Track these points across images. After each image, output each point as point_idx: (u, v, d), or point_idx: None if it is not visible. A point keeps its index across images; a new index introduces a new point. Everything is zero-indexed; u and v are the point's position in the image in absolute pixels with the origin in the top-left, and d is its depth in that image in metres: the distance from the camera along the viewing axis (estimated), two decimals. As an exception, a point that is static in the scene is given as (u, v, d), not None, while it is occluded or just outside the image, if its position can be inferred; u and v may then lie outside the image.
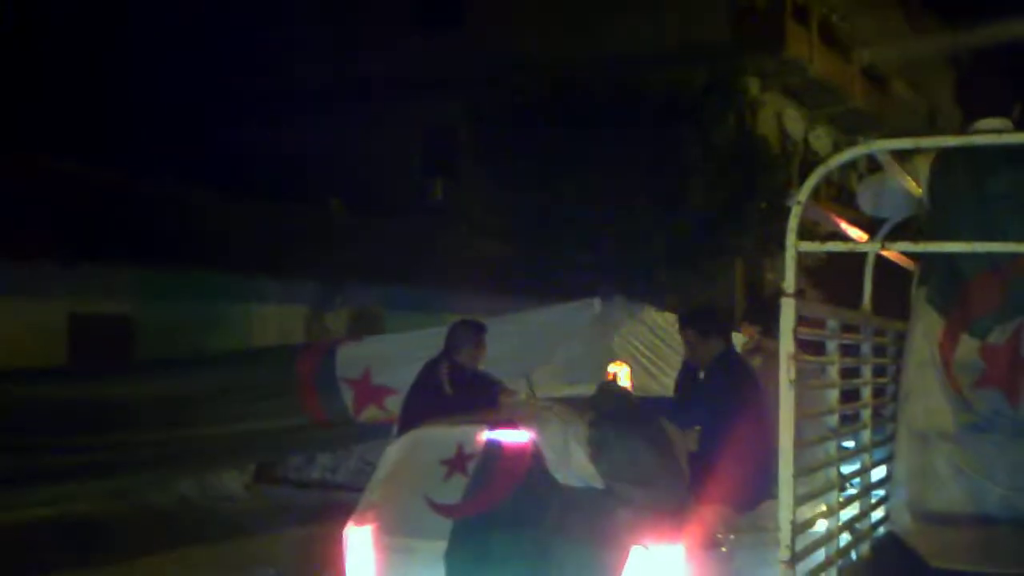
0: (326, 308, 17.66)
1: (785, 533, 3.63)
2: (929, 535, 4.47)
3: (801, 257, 3.76)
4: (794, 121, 27.35)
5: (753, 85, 24.70)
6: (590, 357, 10.00)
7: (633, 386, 9.14)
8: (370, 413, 9.60)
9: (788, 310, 3.68)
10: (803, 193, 3.74)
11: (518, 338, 9.85)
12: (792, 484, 3.63)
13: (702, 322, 7.16)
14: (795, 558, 3.68)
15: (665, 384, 9.50)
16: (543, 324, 10.35)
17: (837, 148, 22.77)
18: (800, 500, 3.80)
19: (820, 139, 27.93)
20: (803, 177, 3.92)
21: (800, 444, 3.74)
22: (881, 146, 4.03)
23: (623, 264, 18.21)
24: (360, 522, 6.57)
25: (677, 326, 10.47)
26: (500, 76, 21.76)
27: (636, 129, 18.55)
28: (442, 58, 25.93)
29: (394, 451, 6.86)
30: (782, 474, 3.65)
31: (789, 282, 3.69)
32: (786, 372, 3.64)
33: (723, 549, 6.18)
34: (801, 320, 3.79)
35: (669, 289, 18.46)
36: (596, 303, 10.24)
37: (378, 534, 6.52)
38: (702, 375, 7.19)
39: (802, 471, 3.83)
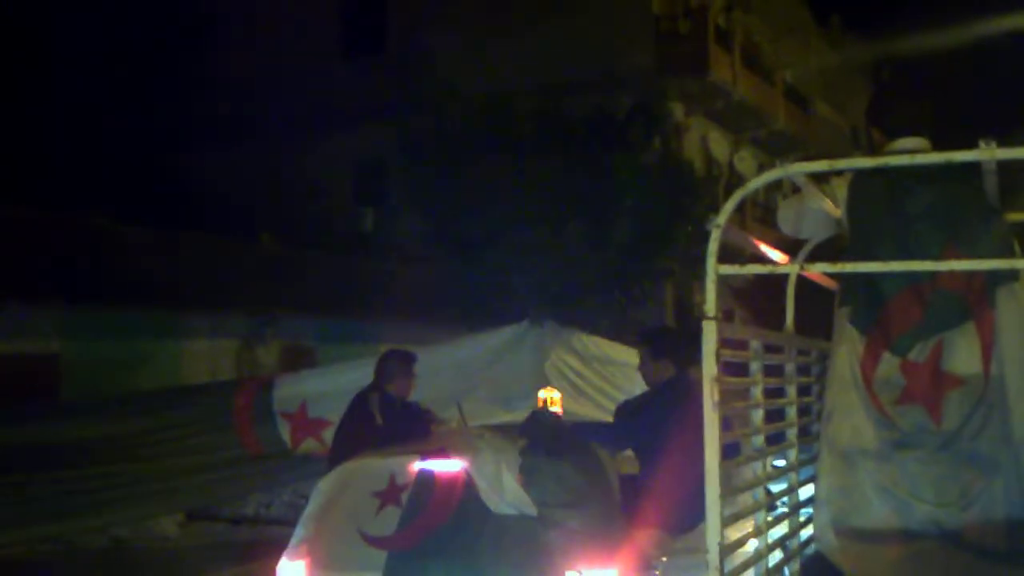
0: (257, 342, 17.52)
1: (713, 555, 3.66)
2: (855, 553, 4.51)
3: (728, 279, 3.80)
4: (719, 144, 27.67)
5: (678, 109, 25.00)
6: (521, 383, 9.98)
7: (564, 411, 9.15)
8: (307, 446, 9.54)
9: (710, 333, 3.71)
10: (722, 216, 3.79)
11: (449, 366, 9.85)
12: (719, 505, 3.66)
13: (656, 343, 7.13)
14: (724, 579, 3.71)
15: (595, 408, 9.52)
16: (473, 351, 10.35)
17: (762, 170, 23.11)
18: (728, 521, 3.83)
19: (744, 161, 28.27)
20: (728, 199, 3.97)
21: (726, 466, 3.77)
22: (797, 169, 4.08)
23: (554, 288, 18.26)
24: (293, 557, 6.51)
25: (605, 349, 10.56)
26: (426, 104, 21.81)
27: (564, 153, 18.66)
28: (369, 88, 25.94)
29: (326, 484, 6.80)
30: (708, 495, 3.68)
31: (710, 305, 3.73)
32: (710, 394, 3.67)
33: (657, 572, 6.20)
34: (724, 342, 3.84)
35: (600, 313, 18.54)
36: (526, 328, 10.26)
37: (311, 569, 6.47)
38: (648, 395, 7.17)
39: (729, 492, 3.86)
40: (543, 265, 18.56)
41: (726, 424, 4.20)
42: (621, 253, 19.37)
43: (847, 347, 4.70)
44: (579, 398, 10.21)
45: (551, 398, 8.69)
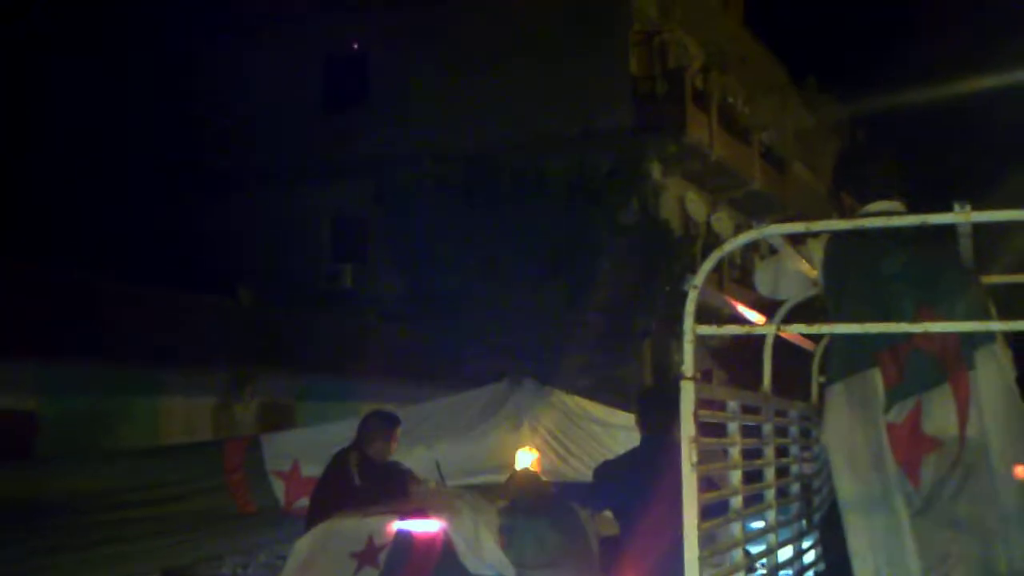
0: (234, 400, 17.41)
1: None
2: None
3: (706, 339, 3.82)
4: (696, 204, 27.81)
5: (656, 169, 25.14)
6: (500, 443, 9.97)
7: (545, 470, 9.13)
8: (302, 504, 9.47)
9: (688, 393, 3.73)
10: (699, 277, 3.82)
11: (428, 425, 9.82)
12: (697, 567, 3.66)
13: (641, 405, 7.10)
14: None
15: (575, 468, 9.50)
16: (452, 411, 10.33)
17: (739, 230, 23.25)
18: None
19: (722, 222, 28.40)
20: (705, 259, 4.00)
21: (704, 527, 3.77)
22: (772, 231, 4.12)
23: (533, 346, 18.27)
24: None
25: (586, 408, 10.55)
26: (407, 161, 21.89)
27: (544, 212, 18.75)
28: (349, 143, 26.03)
29: (304, 544, 6.77)
30: (687, 556, 3.68)
31: (688, 366, 3.75)
32: (688, 455, 3.68)
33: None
34: (702, 403, 3.85)
35: (580, 372, 18.53)
36: (506, 387, 10.26)
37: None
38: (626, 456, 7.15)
39: (708, 553, 3.86)
40: (522, 323, 18.60)
41: (711, 484, 4.22)
42: (600, 312, 19.41)
43: (834, 408, 4.69)
44: (559, 457, 10.20)
45: (531, 458, 8.69)
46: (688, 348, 3.75)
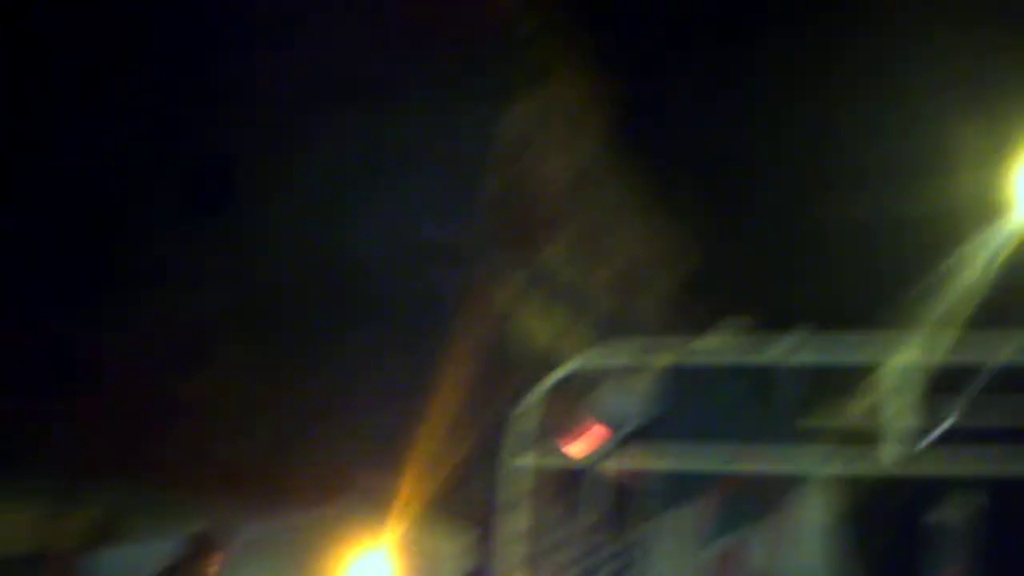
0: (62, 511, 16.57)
1: None
2: None
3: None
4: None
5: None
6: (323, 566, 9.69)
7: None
8: None
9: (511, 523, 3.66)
10: (526, 406, 3.77)
11: (259, 546, 9.55)
12: None
13: None
14: None
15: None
16: (281, 532, 10.07)
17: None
18: None
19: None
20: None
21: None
22: (602, 363, 4.10)
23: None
24: None
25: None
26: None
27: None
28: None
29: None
30: None
31: (511, 492, 3.67)
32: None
33: None
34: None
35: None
36: (337, 509, 10.05)
37: None
38: None
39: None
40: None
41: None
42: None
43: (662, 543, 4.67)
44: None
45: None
46: (509, 474, 3.67)
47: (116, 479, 16.45)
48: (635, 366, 4.67)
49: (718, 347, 4.74)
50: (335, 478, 12.57)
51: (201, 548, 7.53)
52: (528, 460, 3.71)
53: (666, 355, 4.55)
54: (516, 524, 3.69)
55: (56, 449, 15.83)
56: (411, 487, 9.81)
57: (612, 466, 4.79)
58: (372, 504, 9.93)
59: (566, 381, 3.97)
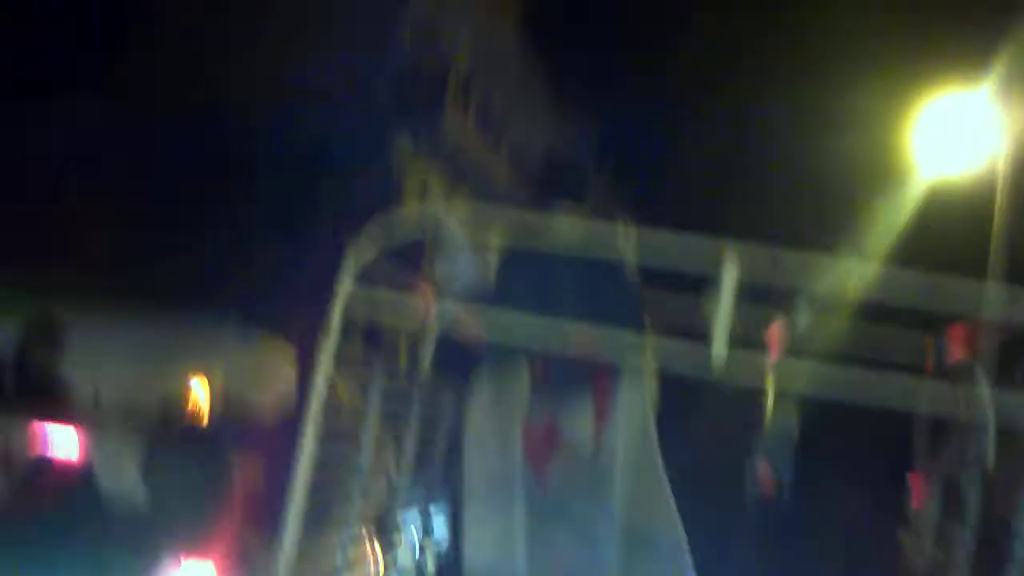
0: None
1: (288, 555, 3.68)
2: None
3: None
4: (436, 189, 27.63)
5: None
6: (177, 370, 9.70)
7: (217, 407, 8.94)
8: None
9: (328, 352, 3.72)
10: (363, 241, 3.80)
11: (112, 341, 9.51)
12: (300, 513, 3.69)
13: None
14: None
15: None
16: (139, 331, 10.05)
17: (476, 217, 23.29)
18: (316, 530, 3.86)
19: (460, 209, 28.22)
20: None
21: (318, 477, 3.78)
22: (443, 213, 4.14)
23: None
24: None
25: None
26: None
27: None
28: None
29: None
30: (292, 507, 3.70)
31: (333, 324, 3.73)
32: (314, 409, 3.68)
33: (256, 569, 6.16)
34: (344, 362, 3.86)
35: (294, 316, 18.09)
36: (204, 317, 10.03)
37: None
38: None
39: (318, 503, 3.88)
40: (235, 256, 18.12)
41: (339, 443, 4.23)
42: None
43: (482, 398, 4.77)
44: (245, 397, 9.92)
45: (199, 391, 8.51)
46: (338, 307, 3.73)
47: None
48: (476, 233, 4.72)
49: (562, 228, 4.81)
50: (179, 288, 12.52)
51: (43, 332, 7.48)
52: (356, 311, 3.73)
53: (509, 228, 4.60)
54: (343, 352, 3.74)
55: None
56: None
57: (439, 328, 4.88)
58: (211, 318, 9.97)
59: (404, 236, 3.99)
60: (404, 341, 5.34)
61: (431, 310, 4.94)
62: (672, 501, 4.67)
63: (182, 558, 5.88)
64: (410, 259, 4.94)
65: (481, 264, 5.03)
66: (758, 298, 5.34)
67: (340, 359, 3.81)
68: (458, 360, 5.59)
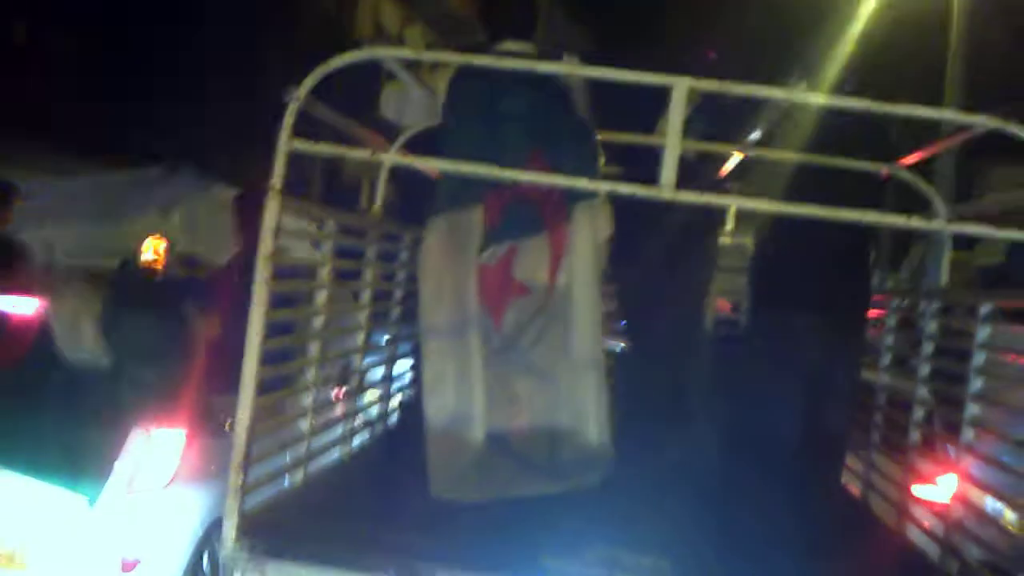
0: None
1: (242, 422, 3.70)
2: (438, 443, 4.52)
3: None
4: (390, 17, 27.22)
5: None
6: (135, 230, 9.60)
7: (175, 263, 8.89)
8: None
9: (273, 207, 3.66)
10: (302, 90, 3.70)
11: (64, 202, 9.37)
12: (253, 386, 3.69)
13: None
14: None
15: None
16: (96, 190, 9.88)
17: (430, 48, 23.01)
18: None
19: (414, 39, 27.94)
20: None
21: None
22: (387, 54, 4.03)
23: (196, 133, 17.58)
24: None
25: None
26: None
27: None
28: None
29: None
30: (245, 375, 3.69)
31: (277, 178, 3.66)
32: (261, 271, 3.63)
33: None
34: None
35: (247, 167, 17.94)
36: (158, 173, 9.86)
37: None
38: None
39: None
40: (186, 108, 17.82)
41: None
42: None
43: (435, 239, 4.72)
44: (209, 252, 9.86)
45: (155, 248, 8.44)
46: (280, 160, 3.65)
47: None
48: (425, 62, 4.61)
49: (513, 52, 4.70)
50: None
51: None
52: (305, 146, 3.64)
53: (458, 55, 4.48)
54: (288, 207, 3.67)
55: None
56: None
57: (390, 171, 4.79)
58: (164, 172, 9.80)
59: (351, 78, 3.88)
60: (355, 187, 5.26)
61: (381, 153, 4.85)
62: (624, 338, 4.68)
63: (150, 425, 5.87)
64: (358, 101, 4.83)
65: (430, 101, 4.93)
66: (710, 127, 5.30)
67: (289, 211, 3.72)
68: (410, 203, 5.54)
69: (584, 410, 4.59)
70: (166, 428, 5.92)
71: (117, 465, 5.71)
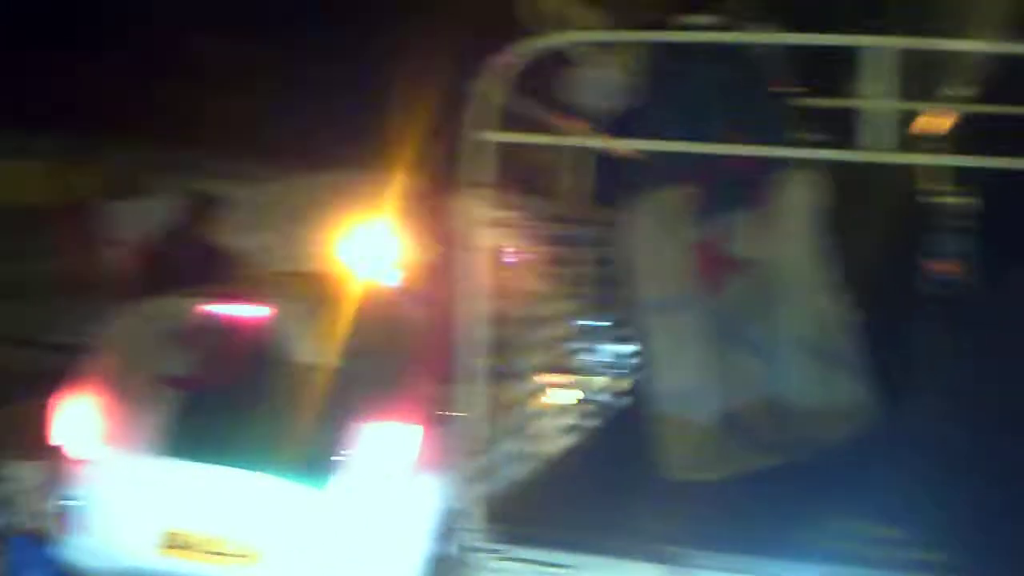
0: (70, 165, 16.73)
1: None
2: (668, 421, 4.54)
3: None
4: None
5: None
6: (343, 231, 9.83)
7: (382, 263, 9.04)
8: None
9: (478, 200, 3.68)
10: (488, 83, 3.66)
11: (262, 209, 9.69)
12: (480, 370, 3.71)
13: None
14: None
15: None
16: (290, 195, 10.18)
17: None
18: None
19: (586, 20, 27.73)
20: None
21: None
22: (577, 38, 3.96)
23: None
24: (78, 391, 6.34)
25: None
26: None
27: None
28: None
29: (120, 320, 6.63)
30: (471, 357, 3.76)
31: (479, 171, 3.68)
32: (477, 262, 3.66)
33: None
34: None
35: (436, 163, 18.11)
36: (345, 173, 10.08)
37: (99, 403, 6.32)
38: None
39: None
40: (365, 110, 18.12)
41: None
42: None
43: (646, 218, 4.72)
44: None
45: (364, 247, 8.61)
46: (480, 154, 3.60)
47: (127, 137, 16.55)
48: (615, 43, 4.56)
49: (701, 26, 4.64)
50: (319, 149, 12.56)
51: (203, 204, 7.64)
52: (494, 136, 3.63)
53: (648, 32, 4.44)
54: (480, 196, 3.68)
55: (70, 107, 15.86)
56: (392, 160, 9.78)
57: (588, 146, 4.75)
58: (363, 174, 9.97)
59: (542, 54, 3.83)
60: (554, 178, 5.27)
61: (578, 140, 4.84)
62: (844, 308, 4.59)
63: (383, 419, 6.00)
64: (548, 89, 4.84)
65: (624, 84, 4.91)
66: (915, 88, 5.13)
67: (492, 202, 3.74)
68: (615, 187, 5.54)
69: (808, 384, 4.54)
70: (399, 421, 6.05)
71: (351, 460, 5.88)
